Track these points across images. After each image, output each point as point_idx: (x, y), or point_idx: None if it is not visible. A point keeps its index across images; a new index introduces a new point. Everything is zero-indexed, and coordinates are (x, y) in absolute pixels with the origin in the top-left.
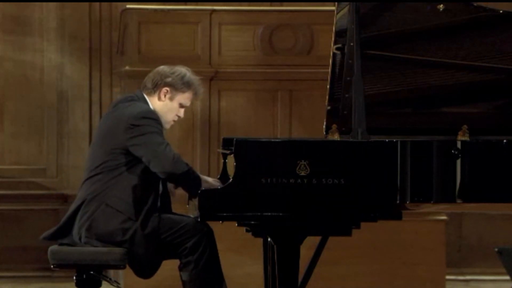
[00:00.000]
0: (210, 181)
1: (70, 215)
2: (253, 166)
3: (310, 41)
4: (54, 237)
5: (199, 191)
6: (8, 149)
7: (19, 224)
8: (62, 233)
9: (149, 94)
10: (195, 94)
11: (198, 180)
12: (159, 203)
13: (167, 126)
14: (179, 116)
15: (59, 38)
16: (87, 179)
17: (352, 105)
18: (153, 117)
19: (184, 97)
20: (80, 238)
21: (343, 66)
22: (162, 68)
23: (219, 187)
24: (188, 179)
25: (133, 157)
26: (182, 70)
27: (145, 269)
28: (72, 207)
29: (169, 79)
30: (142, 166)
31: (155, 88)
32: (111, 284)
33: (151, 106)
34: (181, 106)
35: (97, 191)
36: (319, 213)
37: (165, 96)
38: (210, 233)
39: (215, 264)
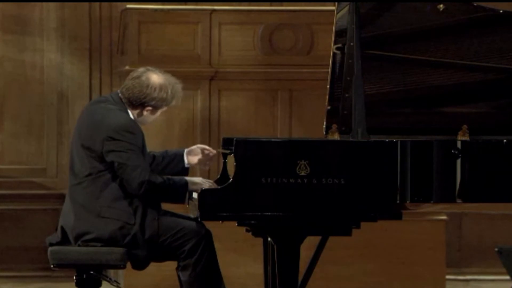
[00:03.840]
0: (199, 181)
1: (64, 229)
2: (253, 166)
3: (310, 41)
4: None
5: (198, 193)
6: (8, 149)
7: (19, 224)
8: (63, 242)
9: (130, 107)
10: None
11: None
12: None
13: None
14: None
15: (59, 38)
16: (75, 184)
17: (352, 105)
18: (133, 131)
19: (165, 109)
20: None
21: (343, 66)
22: (147, 86)
23: (218, 187)
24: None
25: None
26: (166, 88)
27: (142, 266)
28: (65, 219)
29: (153, 102)
30: None
31: (138, 106)
32: (111, 284)
33: (130, 115)
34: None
35: (85, 201)
36: (319, 213)
37: (147, 111)
38: (208, 236)
39: (214, 267)
